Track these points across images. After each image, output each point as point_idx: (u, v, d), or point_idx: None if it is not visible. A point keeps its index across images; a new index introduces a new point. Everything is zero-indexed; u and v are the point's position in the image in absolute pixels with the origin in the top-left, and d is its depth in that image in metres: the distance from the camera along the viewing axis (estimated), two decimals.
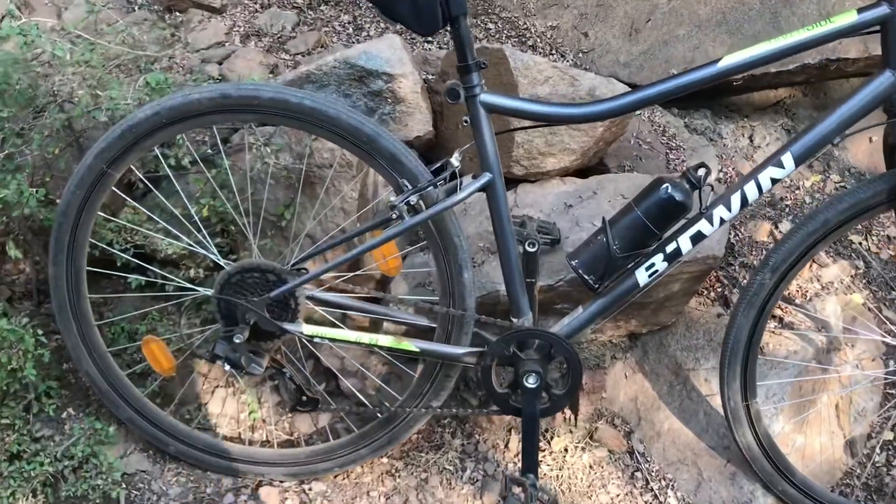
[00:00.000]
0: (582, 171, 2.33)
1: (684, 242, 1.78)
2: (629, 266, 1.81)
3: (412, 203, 1.72)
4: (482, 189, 1.74)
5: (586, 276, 1.80)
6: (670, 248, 1.78)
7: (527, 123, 1.88)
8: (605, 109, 1.70)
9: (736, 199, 1.74)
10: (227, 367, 1.83)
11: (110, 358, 2.01)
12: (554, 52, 2.70)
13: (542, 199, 2.17)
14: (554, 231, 2.04)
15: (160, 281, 2.06)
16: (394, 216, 1.72)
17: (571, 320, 1.86)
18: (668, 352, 2.24)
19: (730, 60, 1.63)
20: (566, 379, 1.86)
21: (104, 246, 1.99)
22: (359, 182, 2.09)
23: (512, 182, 2.24)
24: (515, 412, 1.88)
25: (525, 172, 2.21)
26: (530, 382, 1.82)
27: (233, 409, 2.18)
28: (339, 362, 2.17)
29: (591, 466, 2.16)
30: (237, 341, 1.81)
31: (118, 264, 2.05)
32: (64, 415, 2.08)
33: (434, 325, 1.95)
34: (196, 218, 1.99)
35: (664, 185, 1.74)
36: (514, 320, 1.85)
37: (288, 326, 1.83)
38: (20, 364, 1.93)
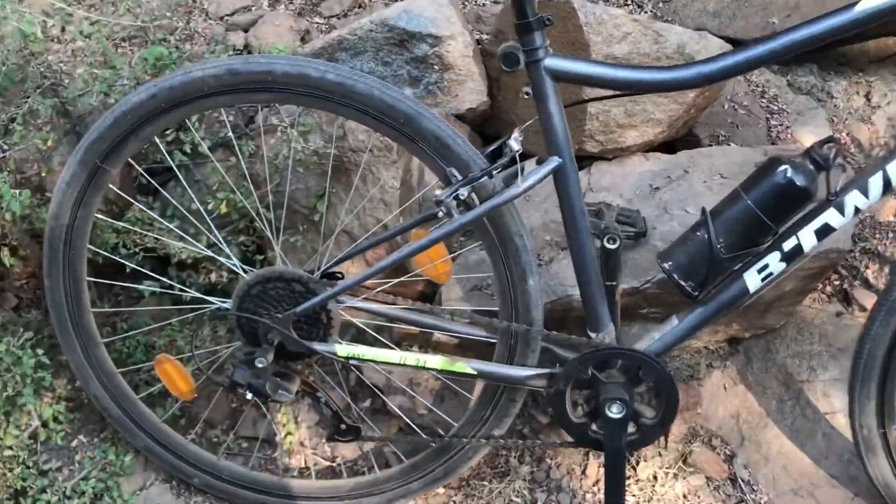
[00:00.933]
0: (667, 144, 1.98)
1: (807, 237, 1.42)
2: (736, 268, 1.45)
3: (462, 197, 1.40)
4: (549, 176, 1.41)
5: (683, 283, 1.46)
6: (789, 244, 1.42)
7: (603, 92, 1.52)
8: (705, 73, 1.34)
9: (876, 182, 1.37)
10: (250, 396, 1.55)
11: (120, 379, 1.76)
12: (630, 1, 2.32)
13: (621, 181, 1.83)
14: (638, 221, 1.69)
15: (176, 290, 1.78)
16: (440, 213, 1.40)
17: (664, 335, 1.53)
18: (776, 359, 1.89)
19: (874, 1, 1.24)
20: (659, 405, 1.53)
21: (105, 253, 1.72)
22: (400, 168, 1.77)
23: (585, 160, 1.90)
24: (596, 446, 1.57)
25: (601, 149, 1.87)
26: (614, 412, 1.50)
27: (266, 432, 1.91)
28: (385, 378, 1.87)
29: (685, 496, 1.83)
30: (260, 366, 1.52)
31: (127, 271, 1.78)
32: (74, 443, 1.85)
33: (494, 339, 1.63)
34: (208, 216, 1.71)
35: (782, 168, 1.38)
36: (592, 334, 1.52)
37: (318, 347, 1.54)
38: (18, 389, 1.68)
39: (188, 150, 1.85)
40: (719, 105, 2.11)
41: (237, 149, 1.78)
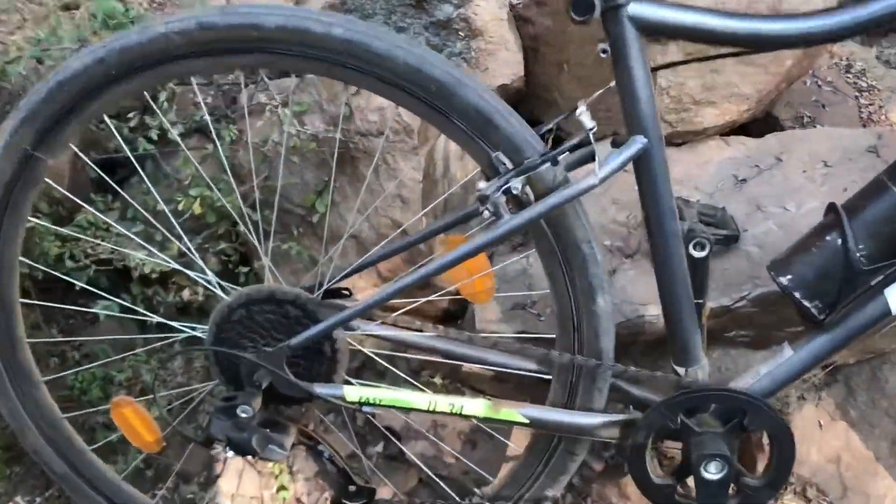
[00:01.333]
0: (742, 129, 1.63)
1: None
2: (874, 282, 1.11)
3: (515, 191, 1.06)
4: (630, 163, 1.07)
5: (808, 303, 1.11)
6: None
7: (674, 55, 1.18)
8: (857, 20, 0.99)
9: None
10: (231, 454, 1.20)
11: (67, 426, 1.39)
12: None
13: (697, 171, 1.49)
14: (725, 221, 1.36)
15: (139, 312, 1.42)
16: (486, 213, 1.06)
17: (774, 369, 1.18)
18: (885, 390, 1.55)
19: None
20: (768, 460, 1.18)
21: (42, 267, 1.35)
22: (423, 156, 1.42)
23: None
24: None
25: (669, 132, 1.54)
26: (711, 472, 1.15)
27: (254, 485, 1.56)
28: (402, 420, 1.52)
29: None
30: (243, 416, 1.17)
31: (77, 289, 1.42)
32: None
33: (545, 374, 1.28)
34: (179, 218, 1.36)
35: None
36: (680, 369, 1.17)
37: (321, 390, 1.19)
38: None
39: (154, 137, 1.51)
40: (800, 81, 1.77)
41: (214, 133, 1.43)
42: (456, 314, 1.56)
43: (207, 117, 1.51)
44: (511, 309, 1.43)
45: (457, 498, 1.35)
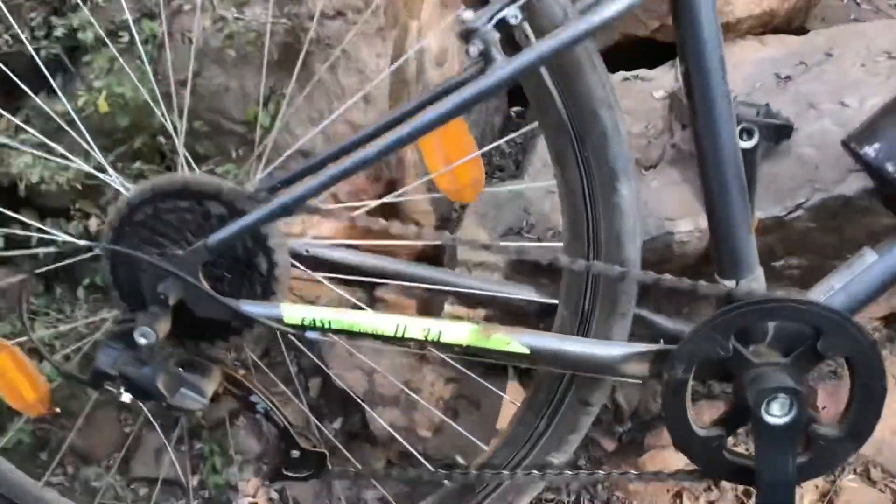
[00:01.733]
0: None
1: None
2: None
3: (513, 21, 0.78)
4: None
5: None
6: None
7: None
8: None
9: None
10: (128, 397, 0.89)
11: None
12: None
13: (731, 72, 1.21)
14: (772, 115, 1.08)
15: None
16: (471, 51, 0.78)
17: (852, 280, 0.90)
18: None
19: None
20: (848, 402, 0.89)
21: None
22: (390, 40, 1.14)
23: (671, 48, 1.29)
24: (739, 477, 0.92)
25: None
26: (775, 413, 0.86)
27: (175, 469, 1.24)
28: (365, 378, 1.22)
29: None
30: (143, 342, 0.86)
31: None
32: None
33: (551, 300, 0.99)
34: (81, 115, 1.07)
35: None
36: (729, 283, 0.89)
37: (250, 308, 0.89)
38: None
39: (60, 35, 1.23)
40: None
41: (132, 27, 1.15)
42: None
43: (129, 17, 1.23)
44: (503, 235, 1.14)
45: (438, 470, 1.04)
